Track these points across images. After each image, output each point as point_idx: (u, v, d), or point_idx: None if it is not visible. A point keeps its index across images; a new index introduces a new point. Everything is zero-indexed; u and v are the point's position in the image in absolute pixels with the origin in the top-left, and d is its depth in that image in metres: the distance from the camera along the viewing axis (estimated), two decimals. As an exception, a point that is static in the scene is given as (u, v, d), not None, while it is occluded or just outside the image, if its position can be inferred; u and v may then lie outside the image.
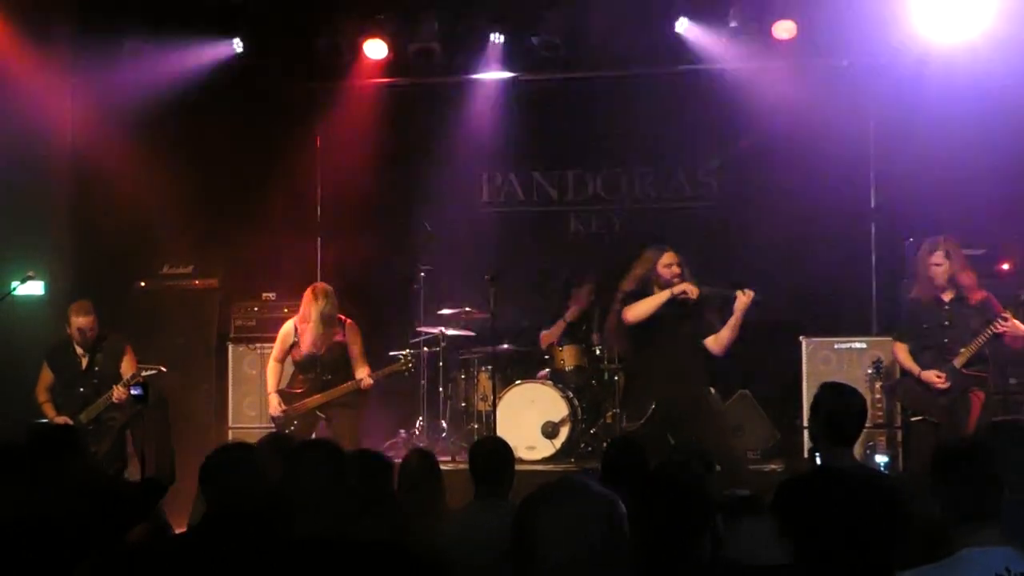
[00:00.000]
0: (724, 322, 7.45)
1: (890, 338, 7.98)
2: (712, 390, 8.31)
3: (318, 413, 8.34)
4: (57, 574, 3.72)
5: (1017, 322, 7.28)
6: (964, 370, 7.29)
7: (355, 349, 8.35)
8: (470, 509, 4.87)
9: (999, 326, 7.20)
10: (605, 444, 8.96)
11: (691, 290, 7.32)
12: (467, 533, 4.27)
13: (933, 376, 7.33)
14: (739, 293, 7.29)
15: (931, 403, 7.39)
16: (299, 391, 8.38)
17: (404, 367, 8.60)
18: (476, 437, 9.53)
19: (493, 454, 5.04)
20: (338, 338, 8.30)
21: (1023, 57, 8.84)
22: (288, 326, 8.46)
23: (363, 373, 8.31)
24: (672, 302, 7.37)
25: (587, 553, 2.30)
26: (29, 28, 9.15)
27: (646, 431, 7.17)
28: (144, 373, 7.88)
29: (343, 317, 8.37)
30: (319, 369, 8.32)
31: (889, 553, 3.95)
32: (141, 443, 7.54)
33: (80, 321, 8.04)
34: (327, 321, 8.20)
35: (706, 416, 7.44)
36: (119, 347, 8.23)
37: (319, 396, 8.31)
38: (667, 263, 7.44)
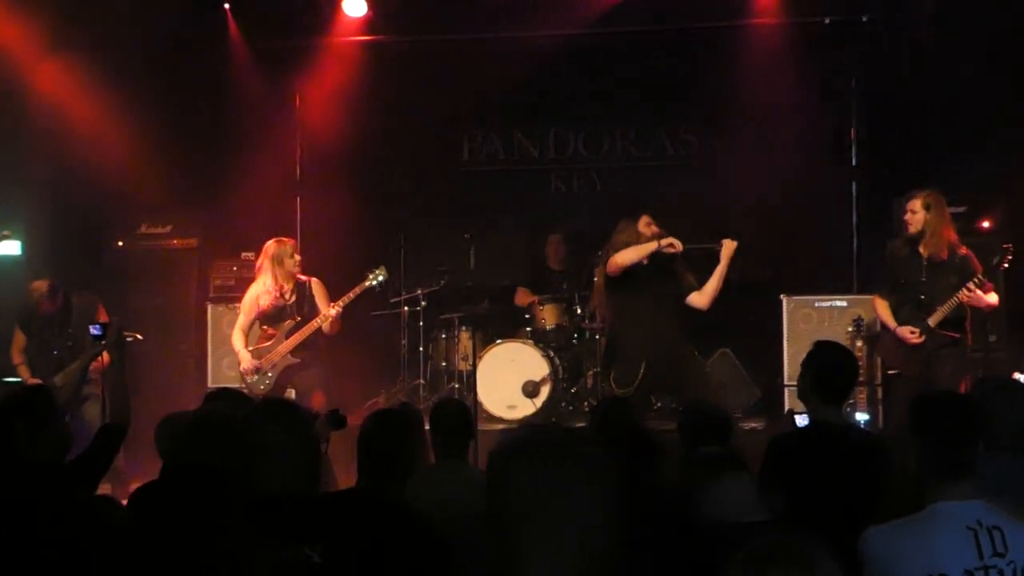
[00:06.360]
0: (705, 280, 7.47)
1: (871, 296, 7.95)
2: (695, 352, 8.31)
3: (290, 356, 8.02)
4: (25, 532, 3.71)
5: (980, 293, 7.19)
6: (939, 330, 7.27)
7: (322, 302, 8.09)
8: (433, 470, 4.85)
9: (964, 295, 7.14)
10: (586, 404, 9.05)
11: (676, 243, 7.32)
12: (432, 494, 4.24)
13: (907, 332, 7.32)
14: (724, 241, 7.32)
15: (906, 358, 7.39)
16: (269, 344, 8.12)
17: (373, 279, 8.10)
18: (457, 397, 9.53)
19: (460, 414, 5.04)
20: (301, 284, 8.11)
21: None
22: (251, 291, 8.22)
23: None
24: (653, 260, 7.35)
25: (570, 514, 2.12)
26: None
27: (639, 395, 7.17)
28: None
29: (307, 277, 8.18)
30: (287, 315, 8.06)
31: (873, 507, 3.97)
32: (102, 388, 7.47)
33: (38, 304, 8.03)
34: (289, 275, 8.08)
35: (694, 376, 7.43)
36: (91, 306, 8.13)
37: (290, 340, 8.01)
38: (647, 223, 7.46)
